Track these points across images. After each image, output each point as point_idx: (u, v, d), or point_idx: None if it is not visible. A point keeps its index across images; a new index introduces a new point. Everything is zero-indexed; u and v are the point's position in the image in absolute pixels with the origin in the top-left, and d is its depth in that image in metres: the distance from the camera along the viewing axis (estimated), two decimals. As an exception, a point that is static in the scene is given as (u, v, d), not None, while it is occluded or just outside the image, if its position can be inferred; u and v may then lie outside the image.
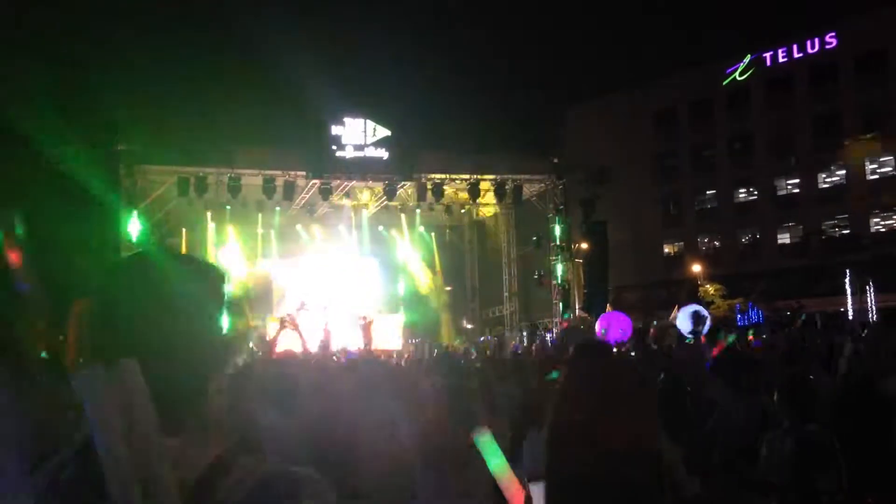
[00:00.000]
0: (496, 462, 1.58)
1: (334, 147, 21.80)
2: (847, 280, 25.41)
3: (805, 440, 3.56)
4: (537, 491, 1.71)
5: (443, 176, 23.42)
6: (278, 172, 21.78)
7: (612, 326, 10.04)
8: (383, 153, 22.20)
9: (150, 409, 1.07)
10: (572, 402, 1.62)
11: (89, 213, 19.78)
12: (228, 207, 23.28)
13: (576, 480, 1.53)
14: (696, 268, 37.85)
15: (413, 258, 27.28)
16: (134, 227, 20.14)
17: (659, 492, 1.55)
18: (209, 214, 23.37)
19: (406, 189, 24.02)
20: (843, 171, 38.44)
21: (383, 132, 22.26)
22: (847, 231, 38.32)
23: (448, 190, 24.00)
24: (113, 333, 1.20)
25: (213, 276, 1.31)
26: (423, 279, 27.41)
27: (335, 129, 21.88)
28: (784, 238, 41.01)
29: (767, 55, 40.47)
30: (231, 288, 24.36)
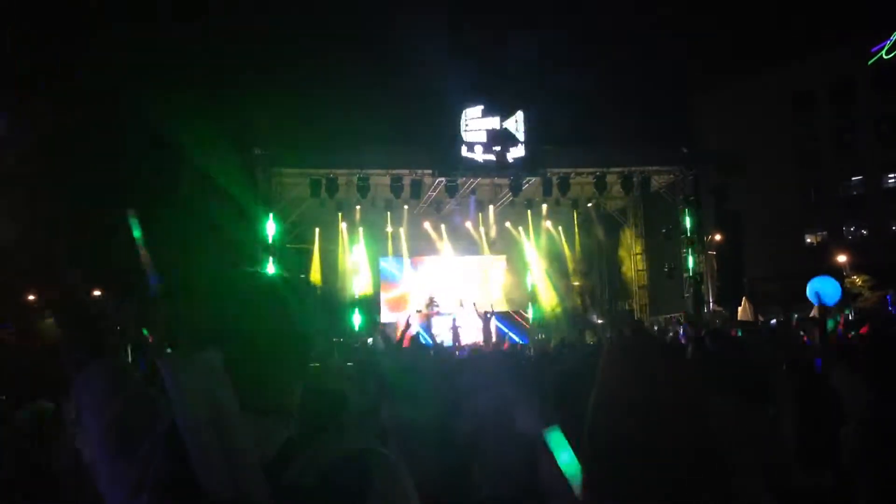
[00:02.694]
0: (566, 458, 1.60)
1: (459, 144, 22.00)
2: None
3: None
4: None
5: (569, 170, 23.21)
6: (405, 171, 22.21)
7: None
8: (509, 149, 22.21)
9: (230, 394, 1.19)
10: (612, 371, 1.66)
11: (234, 216, 20.88)
12: (358, 207, 23.97)
13: (611, 446, 1.56)
14: (842, 258, 35.83)
15: (540, 254, 27.17)
16: (270, 228, 21.09)
17: (700, 470, 1.55)
18: (340, 214, 24.10)
19: (532, 185, 23.95)
20: None
21: (512, 128, 22.28)
22: None
23: (574, 184, 23.76)
24: (206, 329, 1.38)
25: (300, 292, 1.48)
26: (552, 274, 27.24)
27: (459, 127, 22.06)
28: (940, 224, 38.28)
29: (918, 31, 37.84)
30: (363, 287, 25.09)
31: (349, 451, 1.30)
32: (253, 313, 1.38)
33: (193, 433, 1.15)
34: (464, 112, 22.13)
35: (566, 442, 1.62)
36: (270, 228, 21.08)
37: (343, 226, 24.48)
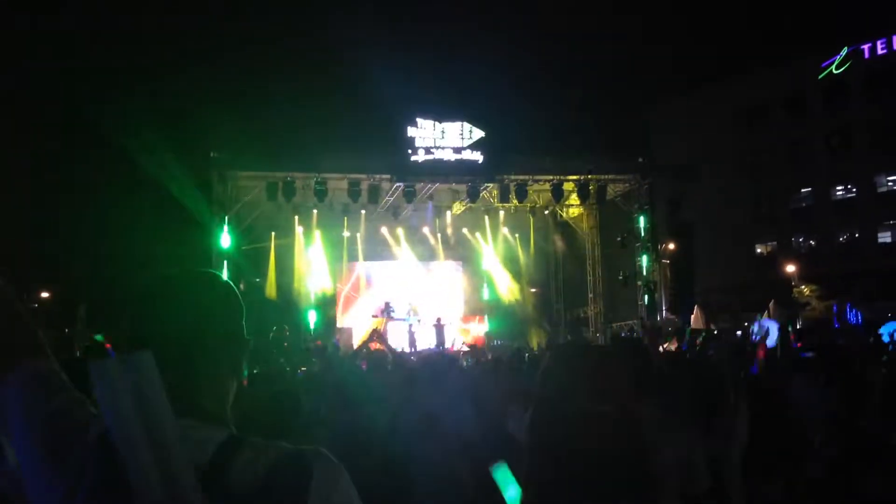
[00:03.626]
0: (511, 494, 1.62)
1: (417, 150, 21.98)
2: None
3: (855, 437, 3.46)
4: None
5: (526, 177, 23.35)
6: (363, 176, 22.12)
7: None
8: (466, 155, 22.26)
9: (163, 397, 1.16)
10: (553, 378, 1.70)
11: (184, 221, 20.62)
12: (315, 211, 23.81)
13: (553, 451, 1.59)
14: (791, 268, 36.60)
15: (497, 260, 27.28)
16: (225, 237, 20.80)
17: (639, 469, 1.59)
18: (297, 218, 23.92)
19: (489, 191, 24.05)
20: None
21: (468, 135, 22.34)
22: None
23: (531, 191, 23.91)
24: (140, 331, 1.37)
25: (230, 296, 1.49)
26: (508, 281, 27.37)
27: (417, 133, 22.06)
28: (885, 237, 39.27)
29: (866, 47, 38.85)
30: (320, 290, 24.94)
31: (289, 453, 1.27)
32: (184, 313, 1.37)
33: (125, 437, 1.13)
34: (420, 118, 22.13)
35: (512, 477, 1.63)
36: (225, 238, 20.79)
37: (299, 230, 24.30)
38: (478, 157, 22.33)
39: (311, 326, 23.49)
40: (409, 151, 21.95)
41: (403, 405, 4.31)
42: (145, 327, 1.37)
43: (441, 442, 3.70)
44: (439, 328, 21.71)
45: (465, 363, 11.18)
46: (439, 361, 4.77)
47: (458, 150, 22.21)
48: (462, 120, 22.43)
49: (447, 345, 21.17)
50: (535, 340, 25.29)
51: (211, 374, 1.36)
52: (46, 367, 1.41)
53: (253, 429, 1.37)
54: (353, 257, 26.07)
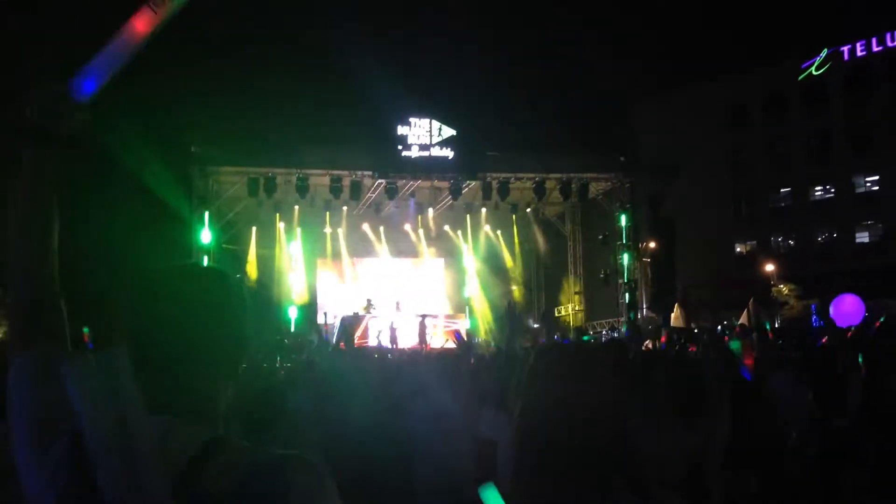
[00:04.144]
0: None
1: (400, 147, 21.98)
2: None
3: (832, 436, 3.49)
4: None
5: (508, 175, 23.38)
6: (345, 172, 22.07)
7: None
8: (449, 153, 22.28)
9: (136, 396, 1.12)
10: (541, 377, 1.72)
11: (163, 217, 20.43)
12: (297, 207, 23.72)
13: (540, 446, 1.61)
14: (770, 267, 36.88)
15: (479, 258, 27.30)
16: (205, 233, 20.64)
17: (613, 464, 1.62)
18: (278, 215, 23.82)
19: (471, 188, 24.06)
20: (927, 168, 36.96)
21: (449, 132, 22.34)
22: (931, 229, 36.84)
23: (513, 189, 23.95)
24: (123, 326, 1.32)
25: (229, 294, 1.41)
26: (489, 279, 27.41)
27: (401, 129, 22.06)
28: (863, 237, 39.65)
29: (845, 49, 39.17)
30: (298, 286, 24.84)
31: (270, 459, 1.22)
32: (183, 309, 1.32)
33: (94, 437, 1.10)
34: (403, 114, 22.13)
35: (501, 499, 1.63)
36: (205, 233, 20.63)
37: (281, 226, 24.22)
38: (460, 154, 22.35)
39: (292, 322, 23.41)
40: (393, 148, 21.94)
41: (380, 402, 4.31)
42: (131, 322, 1.32)
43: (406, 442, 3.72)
44: (422, 325, 21.68)
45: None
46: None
47: (439, 147, 22.22)
48: (445, 117, 22.45)
49: (429, 341, 21.14)
50: (516, 339, 25.27)
51: (202, 373, 1.32)
52: (47, 355, 1.39)
53: (238, 426, 1.34)
54: (334, 254, 25.99)
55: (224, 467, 1.18)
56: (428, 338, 21.48)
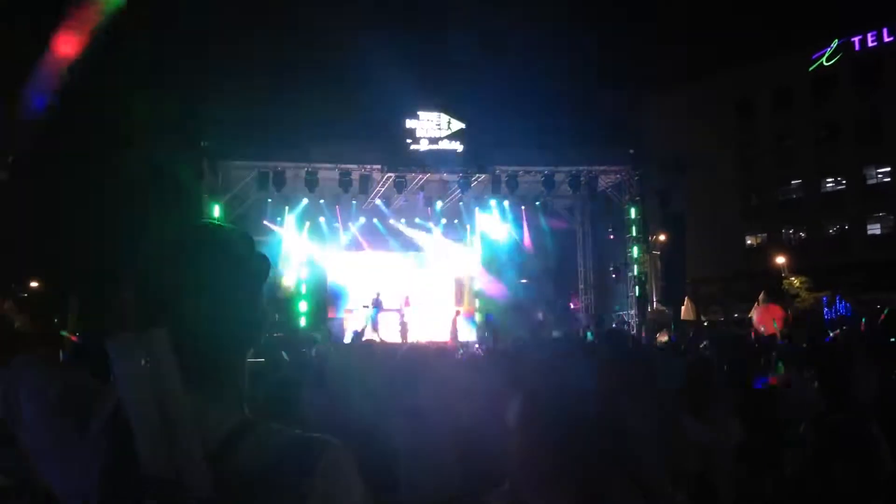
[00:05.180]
0: None
1: (409, 140, 21.99)
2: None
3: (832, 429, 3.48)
4: None
5: (517, 168, 23.34)
6: (354, 166, 22.09)
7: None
8: (458, 146, 22.27)
9: (176, 375, 1.16)
10: (547, 369, 1.73)
11: (179, 205, 20.57)
12: (306, 201, 23.75)
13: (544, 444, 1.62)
14: (780, 259, 36.76)
15: (488, 251, 27.27)
16: (216, 213, 20.80)
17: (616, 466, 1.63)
18: (287, 208, 23.87)
19: (481, 182, 24.03)
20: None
21: (458, 125, 22.33)
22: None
23: (522, 182, 23.90)
24: (151, 306, 1.30)
25: (251, 261, 1.38)
26: (498, 272, 27.37)
27: (409, 123, 22.07)
28: (874, 229, 39.48)
29: (856, 39, 38.93)
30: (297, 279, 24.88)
31: (297, 437, 1.28)
32: (201, 280, 1.29)
33: (137, 413, 1.14)
34: (411, 107, 22.13)
35: None
36: (216, 213, 20.78)
37: (290, 219, 24.25)
38: (471, 147, 22.35)
39: (302, 317, 23.48)
40: (402, 142, 21.94)
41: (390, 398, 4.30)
42: (157, 297, 1.30)
43: (428, 434, 3.70)
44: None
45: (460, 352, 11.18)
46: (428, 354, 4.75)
47: (448, 141, 22.21)
48: (454, 111, 22.43)
49: (444, 336, 21.22)
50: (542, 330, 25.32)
51: (227, 352, 1.33)
52: (40, 358, 1.43)
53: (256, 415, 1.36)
54: (343, 248, 26.01)
55: (255, 446, 1.23)
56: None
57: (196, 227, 1.42)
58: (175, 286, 1.29)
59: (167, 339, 1.17)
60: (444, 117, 22.27)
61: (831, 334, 8.82)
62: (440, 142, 22.15)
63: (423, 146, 22.05)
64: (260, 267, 1.38)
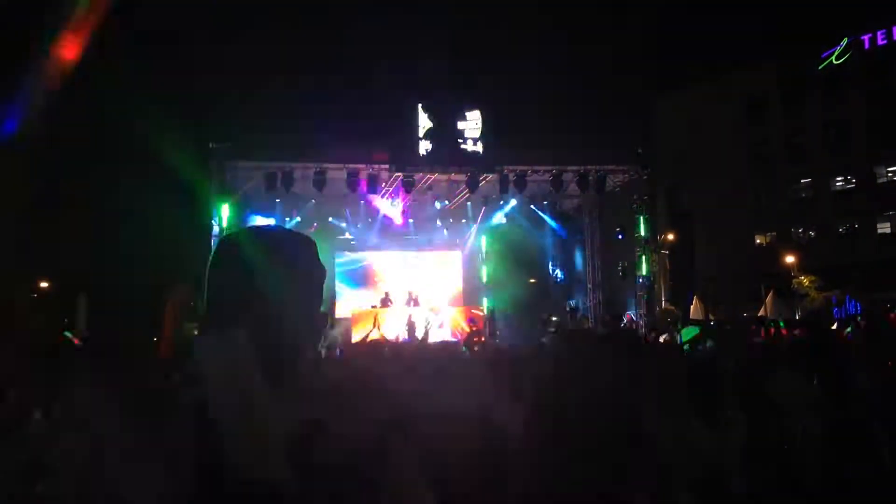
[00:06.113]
0: None
1: (417, 140, 21.96)
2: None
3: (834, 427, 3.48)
4: None
5: (525, 168, 23.30)
6: (362, 166, 22.11)
7: None
8: (466, 146, 22.22)
9: (256, 371, 1.22)
10: (561, 366, 1.74)
11: (187, 204, 20.67)
12: (314, 201, 23.80)
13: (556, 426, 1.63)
14: (790, 258, 36.62)
15: (496, 251, 27.28)
16: (225, 213, 20.88)
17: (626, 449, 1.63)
18: (294, 209, 23.95)
19: (489, 181, 24.00)
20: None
21: (468, 125, 22.29)
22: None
23: (530, 182, 23.87)
24: (222, 308, 1.35)
25: (316, 267, 1.45)
26: (506, 271, 27.37)
27: (417, 122, 22.03)
28: (884, 228, 39.29)
29: (866, 38, 38.76)
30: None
31: (365, 427, 1.38)
32: (275, 281, 1.34)
33: (223, 413, 1.19)
34: (421, 108, 22.09)
35: None
36: (225, 213, 20.85)
37: (298, 219, 24.31)
38: (478, 147, 22.30)
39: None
40: (410, 141, 21.92)
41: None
42: (236, 299, 1.33)
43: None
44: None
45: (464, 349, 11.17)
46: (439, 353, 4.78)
47: (458, 141, 22.17)
48: (463, 110, 22.38)
49: (450, 335, 21.21)
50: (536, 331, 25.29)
51: (296, 350, 1.38)
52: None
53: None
54: (351, 248, 26.06)
55: (330, 444, 1.32)
56: (448, 330, 21.50)
57: (269, 233, 1.49)
58: (252, 290, 1.33)
59: (248, 336, 1.23)
60: (453, 116, 22.23)
61: (834, 333, 8.80)
62: (448, 142, 22.11)
63: (430, 146, 22.01)
64: (322, 272, 1.47)
